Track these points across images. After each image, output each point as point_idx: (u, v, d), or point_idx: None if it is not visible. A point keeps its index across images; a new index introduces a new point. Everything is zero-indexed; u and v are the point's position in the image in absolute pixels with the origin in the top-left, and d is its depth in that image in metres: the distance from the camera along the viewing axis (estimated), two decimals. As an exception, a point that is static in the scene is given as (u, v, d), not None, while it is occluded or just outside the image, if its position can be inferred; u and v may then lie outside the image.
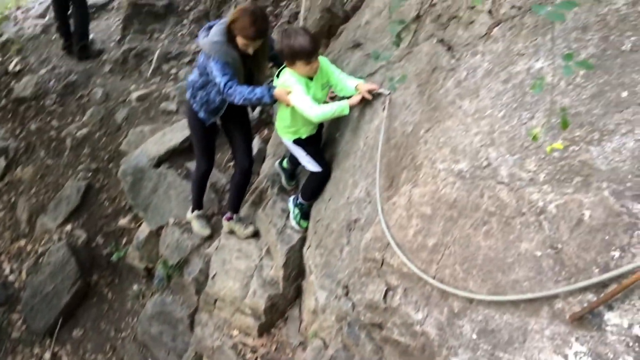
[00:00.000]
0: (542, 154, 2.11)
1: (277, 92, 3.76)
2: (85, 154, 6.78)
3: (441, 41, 3.18)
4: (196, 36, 8.06)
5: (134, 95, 7.18)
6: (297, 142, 4.10)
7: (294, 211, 4.45)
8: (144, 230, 5.84)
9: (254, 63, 4.09)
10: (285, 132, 4.11)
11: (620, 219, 1.76)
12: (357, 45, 4.27)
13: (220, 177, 5.91)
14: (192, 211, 5.19)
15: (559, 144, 1.74)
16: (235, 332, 4.61)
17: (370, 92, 3.72)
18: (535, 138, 1.74)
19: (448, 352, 2.33)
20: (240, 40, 3.80)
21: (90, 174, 6.62)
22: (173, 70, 7.61)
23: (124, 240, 6.24)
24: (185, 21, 8.65)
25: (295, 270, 4.43)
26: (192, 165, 6.05)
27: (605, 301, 1.74)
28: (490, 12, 2.70)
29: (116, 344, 5.78)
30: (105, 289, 6.13)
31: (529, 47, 2.39)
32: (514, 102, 2.36)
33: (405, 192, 2.93)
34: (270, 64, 4.42)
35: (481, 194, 2.37)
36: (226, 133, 4.76)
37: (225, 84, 3.87)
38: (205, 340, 4.76)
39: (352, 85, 3.80)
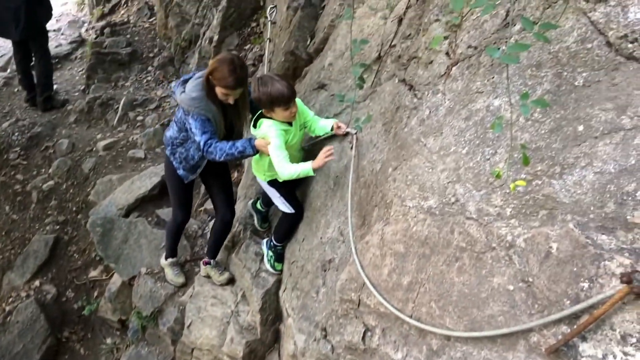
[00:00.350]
0: (507, 188, 2.16)
1: (257, 143, 3.72)
2: (52, 207, 6.65)
3: (403, 81, 3.25)
4: (161, 82, 8.13)
5: (101, 144, 7.12)
6: (272, 183, 4.09)
7: (267, 254, 4.42)
8: (115, 282, 5.72)
9: (234, 113, 4.02)
10: (261, 172, 4.10)
11: (586, 251, 1.80)
12: (322, 87, 4.34)
13: (191, 222, 5.85)
14: (166, 258, 5.07)
15: (521, 181, 1.78)
16: (214, 382, 4.50)
17: (337, 129, 3.80)
18: (498, 176, 1.79)
19: (429, 391, 2.32)
20: (220, 91, 3.70)
21: (58, 227, 6.49)
22: (139, 118, 7.59)
23: (96, 293, 6.09)
24: (150, 68, 8.70)
25: (273, 314, 4.37)
26: (162, 212, 6.00)
27: (579, 332, 1.76)
28: (447, 53, 2.78)
29: (90, 402, 5.57)
30: (77, 344, 5.93)
31: (487, 85, 2.46)
32: (477, 138, 2.42)
33: (377, 230, 2.95)
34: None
35: (451, 230, 2.40)
36: (204, 183, 4.71)
37: (205, 143, 3.80)
38: (183, 392, 4.63)
39: (327, 125, 3.85)
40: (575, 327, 1.76)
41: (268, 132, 3.63)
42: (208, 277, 4.87)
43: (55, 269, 6.27)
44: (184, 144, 4.12)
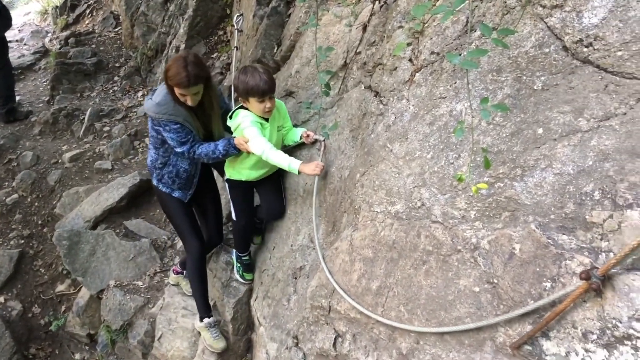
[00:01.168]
0: (470, 192, 2.19)
1: (237, 141, 3.58)
2: (17, 221, 6.48)
3: (369, 87, 3.28)
4: (127, 92, 8.04)
5: (67, 155, 6.98)
6: (230, 181, 4.00)
7: (236, 264, 4.39)
8: (83, 296, 5.61)
9: (204, 116, 3.75)
10: (228, 165, 3.95)
11: (548, 251, 1.84)
12: (289, 94, 4.35)
13: (160, 233, 5.79)
14: (201, 319, 4.14)
15: (483, 184, 1.81)
16: (186, 394, 4.44)
17: (306, 137, 3.80)
18: (461, 180, 1.81)
19: (400, 395, 2.33)
20: (176, 91, 3.44)
21: (22, 241, 6.32)
22: (106, 128, 7.48)
23: (63, 308, 5.95)
24: (116, 78, 8.59)
25: (244, 324, 4.34)
26: (130, 224, 5.92)
27: (541, 328, 1.79)
28: (410, 59, 2.82)
29: (59, 420, 5.44)
30: (44, 362, 5.80)
31: (450, 90, 2.50)
32: (441, 143, 2.45)
33: (346, 236, 2.96)
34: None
35: (418, 234, 2.42)
36: (196, 203, 4.24)
37: (188, 152, 3.64)
38: (155, 406, 4.56)
39: (296, 134, 3.82)
40: (537, 324, 1.79)
41: (242, 121, 3.55)
42: (177, 285, 4.81)
43: (21, 284, 6.10)
44: (167, 162, 3.84)
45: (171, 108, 3.53)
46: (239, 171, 3.90)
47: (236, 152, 3.65)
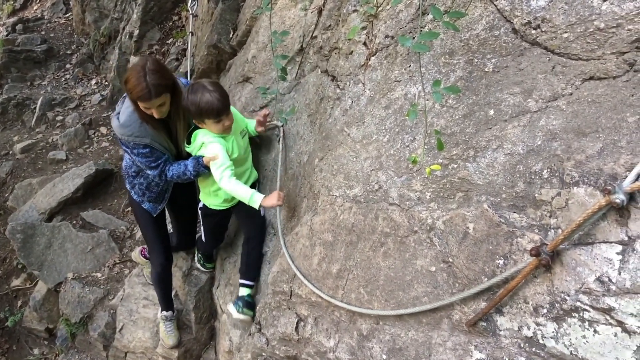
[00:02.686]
0: (426, 173, 2.22)
1: (205, 161, 3.27)
2: (-33, 215, 6.28)
3: (325, 72, 3.27)
4: (80, 80, 7.83)
5: (18, 146, 6.77)
6: (204, 211, 3.77)
7: (197, 254, 4.36)
8: (40, 290, 5.47)
9: (174, 130, 3.40)
10: (202, 192, 3.70)
11: (500, 229, 1.89)
12: (246, 80, 4.30)
13: (119, 224, 5.69)
14: (161, 311, 4.24)
15: (436, 165, 1.84)
16: (149, 385, 4.41)
17: (264, 116, 3.70)
18: (415, 162, 1.83)
19: (361, 375, 2.37)
20: (140, 105, 3.06)
21: (-26, 237, 6.13)
22: (59, 117, 7.28)
23: (19, 303, 5.80)
24: (68, 65, 8.35)
25: (207, 312, 4.33)
26: (87, 215, 5.80)
27: (495, 305, 1.85)
28: (365, 43, 2.82)
29: (19, 417, 5.33)
30: (1, 358, 5.64)
31: (404, 74, 2.52)
32: (396, 126, 2.47)
33: (306, 221, 2.97)
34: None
35: (376, 217, 2.45)
36: (171, 211, 4.04)
37: (159, 176, 3.39)
38: (118, 398, 4.51)
39: (253, 125, 3.64)
40: (490, 301, 1.85)
41: (204, 139, 3.25)
42: (138, 265, 4.76)
43: (-27, 281, 5.92)
44: (140, 172, 3.55)
45: (137, 129, 3.17)
46: (216, 194, 3.61)
47: (207, 171, 3.32)
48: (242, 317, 3.54)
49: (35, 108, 7.31)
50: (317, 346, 2.69)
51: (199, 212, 3.80)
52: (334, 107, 3.04)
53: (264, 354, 3.18)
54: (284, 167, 3.61)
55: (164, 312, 4.16)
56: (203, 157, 3.28)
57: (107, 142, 6.88)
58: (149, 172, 3.38)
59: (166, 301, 4.12)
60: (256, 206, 3.11)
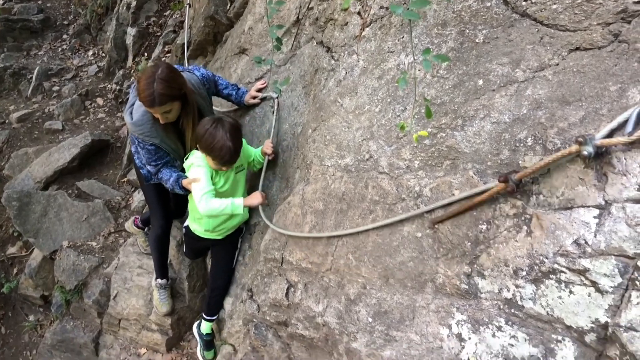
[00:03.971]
0: (415, 142, 2.27)
1: (184, 182, 3.36)
2: (-37, 183, 6.30)
3: (321, 43, 3.30)
4: (77, 51, 7.80)
5: (14, 116, 6.76)
6: (187, 232, 3.92)
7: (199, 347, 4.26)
8: (36, 257, 5.53)
9: (181, 133, 3.50)
10: (190, 209, 3.81)
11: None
12: (242, 51, 4.32)
13: (114, 194, 5.73)
14: (155, 279, 4.33)
15: (424, 132, 1.88)
16: (142, 350, 4.50)
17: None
18: (403, 128, 1.88)
19: (348, 338, 2.44)
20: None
21: (-30, 204, 6.16)
22: (55, 88, 7.26)
23: (15, 270, 5.86)
24: (64, 36, 8.30)
25: (200, 281, 4.40)
26: (83, 184, 5.83)
27: (459, 213, 2.00)
28: (359, 13, 2.85)
29: (15, 381, 5.42)
30: (-3, 324, 5.74)
31: (398, 45, 2.55)
32: (388, 96, 2.51)
33: (298, 190, 3.02)
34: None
35: (366, 185, 2.50)
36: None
37: (154, 173, 3.52)
38: (112, 363, 4.60)
39: (257, 153, 3.62)
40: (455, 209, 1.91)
41: (195, 161, 3.31)
42: (132, 235, 4.81)
43: (-31, 247, 5.98)
44: None
45: (148, 128, 3.28)
46: (199, 221, 3.70)
47: (181, 192, 3.44)
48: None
49: (31, 78, 7.29)
50: (307, 311, 2.76)
51: (183, 230, 3.98)
52: (328, 78, 3.07)
53: (254, 320, 3.25)
54: (278, 139, 3.65)
55: (158, 280, 4.23)
56: (185, 178, 3.38)
57: (104, 113, 6.88)
58: (147, 167, 3.52)
59: (161, 268, 4.19)
60: (241, 210, 3.26)
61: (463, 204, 1.98)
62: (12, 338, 5.65)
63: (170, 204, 4.08)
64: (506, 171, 1.89)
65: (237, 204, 3.23)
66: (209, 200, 3.20)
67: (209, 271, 4.07)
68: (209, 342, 3.98)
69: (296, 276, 2.91)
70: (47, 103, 7.06)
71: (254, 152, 3.63)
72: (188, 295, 4.37)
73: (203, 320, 3.99)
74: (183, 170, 3.50)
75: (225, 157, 3.15)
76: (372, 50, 2.71)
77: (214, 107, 4.33)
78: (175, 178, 3.42)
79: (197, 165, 3.28)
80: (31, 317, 5.68)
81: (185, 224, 3.93)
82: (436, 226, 2.07)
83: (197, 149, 3.34)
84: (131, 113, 3.33)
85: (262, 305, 3.16)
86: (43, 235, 5.42)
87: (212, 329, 3.99)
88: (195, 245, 4.03)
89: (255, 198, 3.32)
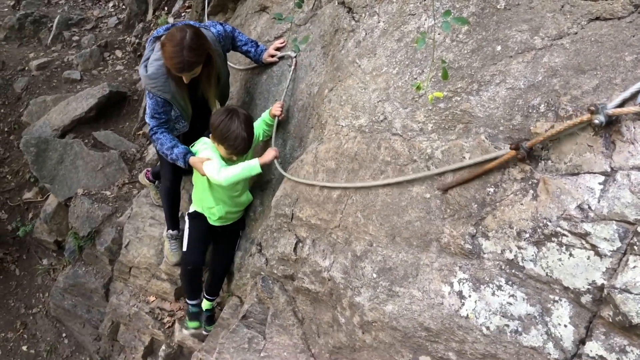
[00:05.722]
0: (430, 105, 2.30)
1: (192, 160, 3.42)
2: (-18, 127, 6.43)
3: (342, 3, 3.30)
4: (98, 2, 7.79)
5: (34, 63, 6.84)
6: (191, 214, 3.88)
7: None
8: (51, 203, 5.68)
9: (199, 89, 3.58)
10: (194, 200, 3.86)
11: (494, 159, 1.98)
12: (263, 9, 4.32)
13: (129, 145, 5.83)
14: (167, 230, 4.43)
15: (438, 93, 1.92)
16: (151, 298, 4.65)
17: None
18: (418, 88, 1.91)
19: (352, 292, 2.52)
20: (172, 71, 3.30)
21: (-12, 148, 6.30)
22: (75, 38, 7.30)
23: (31, 215, 6.03)
24: (85, -15, 8.29)
25: (211, 234, 4.49)
26: (99, 134, 5.93)
27: (468, 180, 2.04)
28: (383, -26, 2.85)
29: (27, 320, 5.63)
30: (12, 265, 5.92)
31: (419, 7, 2.56)
32: (407, 59, 2.54)
33: (312, 149, 3.07)
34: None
35: (378, 146, 2.55)
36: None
37: (151, 129, 3.51)
38: (121, 308, 4.76)
39: (264, 117, 3.66)
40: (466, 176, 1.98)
41: (202, 151, 3.44)
42: (144, 187, 4.92)
43: (-13, 190, 6.14)
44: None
45: (161, 83, 3.37)
46: (207, 210, 3.76)
47: (184, 166, 3.50)
48: (204, 332, 4.02)
49: (52, 26, 7.34)
50: (313, 266, 2.84)
51: (186, 217, 3.91)
52: (347, 39, 3.08)
53: (262, 273, 3.35)
54: (293, 99, 3.68)
55: (170, 231, 4.34)
56: (195, 155, 3.44)
57: (122, 65, 6.93)
58: (147, 118, 3.51)
59: (172, 219, 4.29)
60: (258, 170, 3.32)
61: (473, 170, 2.02)
62: (26, 280, 5.85)
63: None
64: (517, 136, 1.93)
65: (252, 165, 3.31)
66: (227, 169, 3.30)
67: (212, 255, 4.09)
68: (210, 317, 4.08)
69: (305, 232, 2.98)
70: (66, 52, 7.12)
71: (257, 131, 3.64)
72: (198, 247, 4.47)
73: (205, 300, 4.08)
74: (187, 136, 3.61)
75: (240, 146, 3.30)
76: (394, 12, 2.73)
77: (232, 65, 4.37)
78: (183, 151, 3.44)
79: (208, 155, 3.38)
80: (45, 261, 5.86)
81: (190, 211, 3.92)
82: (441, 186, 2.12)
83: (207, 136, 3.45)
84: (146, 66, 3.39)
85: (270, 259, 3.25)
86: (59, 181, 5.55)
87: (212, 306, 4.09)
88: (202, 236, 3.92)
89: (269, 154, 3.38)
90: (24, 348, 5.49)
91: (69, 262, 5.46)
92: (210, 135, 3.43)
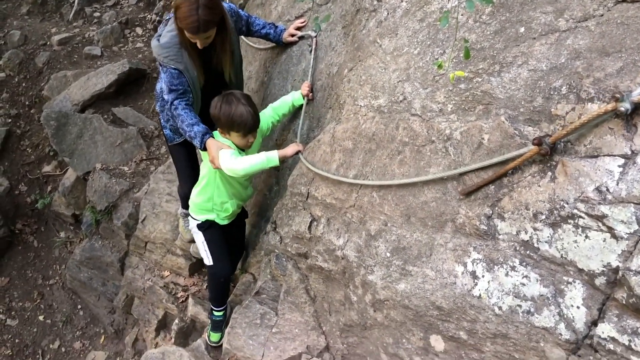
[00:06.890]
0: (450, 86, 2.30)
1: (210, 141, 3.20)
2: (4, 99, 6.50)
3: (365, -17, 3.29)
4: (121, -22, 7.80)
5: (55, 38, 6.89)
6: (201, 225, 3.61)
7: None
8: (70, 177, 5.76)
9: (214, 58, 3.47)
10: (195, 207, 3.61)
11: (513, 141, 1.98)
12: (285, -12, 4.31)
13: (148, 122, 5.88)
14: (182, 208, 4.39)
15: (460, 72, 1.91)
16: (166, 273, 4.71)
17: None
18: (440, 66, 1.91)
19: (365, 270, 2.54)
20: (186, 34, 3.16)
21: (10, 120, 6.38)
22: (96, 14, 7.35)
23: (49, 188, 6.12)
24: (108, -38, 8.30)
25: (225, 211, 4.53)
26: (118, 110, 5.98)
27: (491, 181, 2.03)
28: (408, -47, 2.83)
29: (44, 290, 5.75)
30: (30, 237, 6.03)
31: (443, -12, 2.55)
32: (428, 39, 2.53)
33: (329, 129, 3.07)
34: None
35: (397, 126, 2.55)
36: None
37: (172, 103, 3.31)
38: (136, 282, 4.83)
39: (295, 97, 3.57)
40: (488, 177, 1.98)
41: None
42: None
43: (8, 162, 6.23)
44: None
45: (174, 52, 3.27)
46: (211, 211, 3.54)
47: (199, 147, 3.25)
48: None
49: (73, 2, 7.39)
50: (327, 244, 2.87)
51: (196, 229, 3.64)
52: (369, 18, 3.07)
53: (276, 250, 3.38)
54: (313, 78, 3.68)
55: (183, 210, 4.34)
56: (213, 137, 3.24)
57: (142, 43, 6.96)
58: (165, 95, 3.36)
59: (185, 199, 4.20)
60: (277, 162, 3.14)
61: (496, 170, 1.98)
62: (43, 252, 5.97)
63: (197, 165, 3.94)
64: (537, 118, 1.92)
65: (271, 157, 3.14)
66: (243, 158, 3.17)
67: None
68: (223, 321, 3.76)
69: (320, 211, 3.00)
70: (87, 28, 7.17)
71: (269, 117, 3.57)
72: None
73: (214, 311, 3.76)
74: (202, 114, 3.43)
75: (249, 121, 3.13)
76: (417, -7, 2.71)
77: (251, 44, 4.38)
78: (202, 130, 3.24)
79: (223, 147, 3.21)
80: (62, 234, 5.96)
81: (198, 222, 3.62)
82: (462, 191, 2.11)
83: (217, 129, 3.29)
84: (158, 39, 3.33)
85: (284, 237, 3.28)
86: (78, 156, 5.63)
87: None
88: (220, 239, 3.67)
89: (291, 148, 3.26)
90: (41, 318, 5.61)
91: (85, 235, 5.55)
92: (218, 129, 3.29)
